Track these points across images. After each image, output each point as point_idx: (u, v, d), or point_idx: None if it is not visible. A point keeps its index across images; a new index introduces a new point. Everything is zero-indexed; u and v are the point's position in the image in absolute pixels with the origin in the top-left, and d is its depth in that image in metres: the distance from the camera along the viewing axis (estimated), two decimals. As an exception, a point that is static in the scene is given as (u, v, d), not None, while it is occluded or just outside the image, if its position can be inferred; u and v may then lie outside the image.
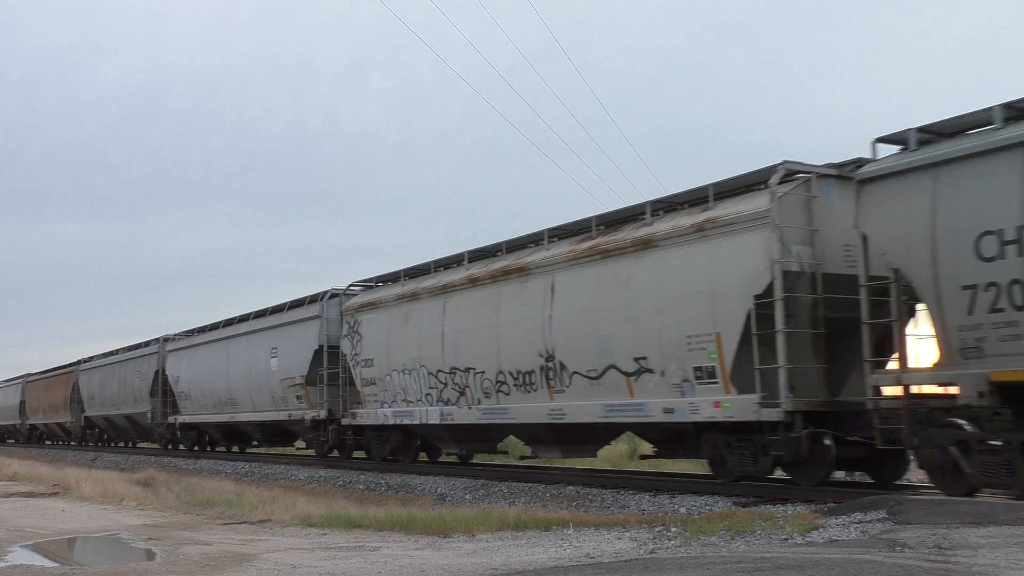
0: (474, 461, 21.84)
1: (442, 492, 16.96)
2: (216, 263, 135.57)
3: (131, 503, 16.37)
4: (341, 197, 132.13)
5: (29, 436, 56.11)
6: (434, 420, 18.93)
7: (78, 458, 36.33)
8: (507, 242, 17.87)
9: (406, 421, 19.98)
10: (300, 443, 28.53)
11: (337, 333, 23.41)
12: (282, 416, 25.35)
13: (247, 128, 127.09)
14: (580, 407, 15.31)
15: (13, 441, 63.31)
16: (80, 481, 20.33)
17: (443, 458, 22.24)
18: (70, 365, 47.09)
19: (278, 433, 28.25)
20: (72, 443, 48.40)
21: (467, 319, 18.00)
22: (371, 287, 22.58)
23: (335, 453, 24.38)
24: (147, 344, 36.91)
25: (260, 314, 27.52)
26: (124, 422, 39.23)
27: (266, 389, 26.11)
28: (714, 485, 14.23)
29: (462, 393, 18.17)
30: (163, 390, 34.47)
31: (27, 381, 54.90)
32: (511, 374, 16.79)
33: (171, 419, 33.49)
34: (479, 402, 17.72)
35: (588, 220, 15.94)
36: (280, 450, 30.62)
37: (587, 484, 15.73)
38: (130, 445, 43.80)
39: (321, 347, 23.39)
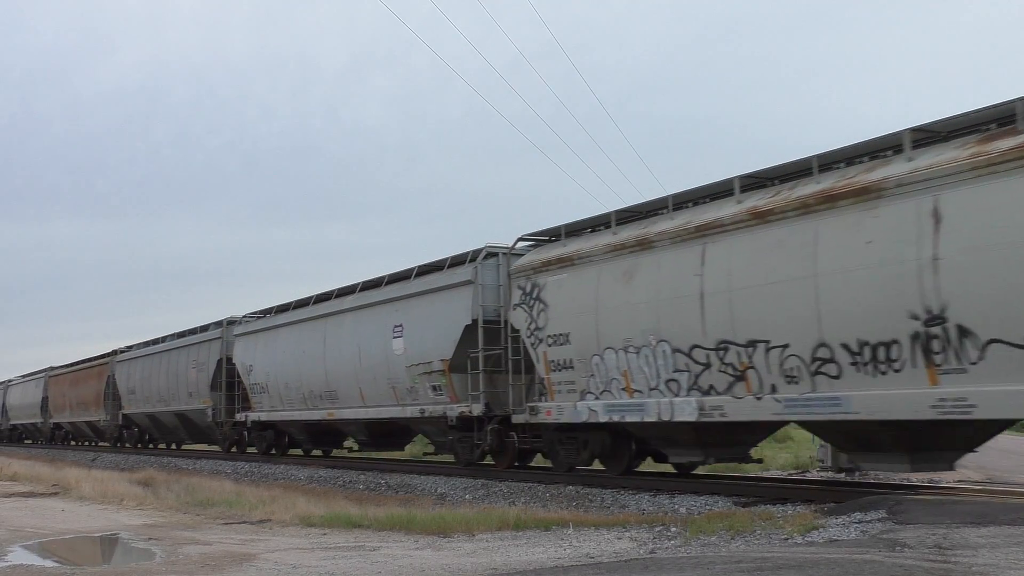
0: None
1: (442, 492, 16.69)
2: (216, 263, 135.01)
3: (131, 503, 16.23)
4: (341, 197, 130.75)
5: (52, 436, 50.52)
6: (686, 416, 13.46)
7: (78, 458, 35.00)
8: (820, 156, 12.35)
9: (629, 418, 14.51)
10: (422, 446, 23.03)
11: (496, 303, 17.98)
12: (410, 412, 19.86)
13: (247, 128, 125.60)
14: (1008, 395, 9.82)
15: (31, 442, 57.83)
16: (80, 481, 20.07)
17: (638, 465, 16.68)
18: (103, 356, 41.60)
19: (391, 433, 22.79)
20: (105, 444, 42.95)
21: (749, 270, 12.54)
22: (551, 241, 17.11)
23: (487, 460, 18.91)
24: (205, 328, 31.42)
25: (372, 284, 22.01)
26: (173, 420, 33.73)
27: (384, 378, 20.63)
28: (714, 485, 14.11)
29: (739, 377, 12.71)
30: (227, 382, 29.04)
31: (50, 375, 49.29)
32: (846, 347, 11.32)
33: (240, 416, 27.99)
34: (774, 389, 12.26)
35: (1003, 106, 10.46)
36: (391, 455, 25.04)
37: (587, 484, 15.40)
38: (173, 447, 38.35)
39: (475, 321, 17.92)
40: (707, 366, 13.17)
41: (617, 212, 15.38)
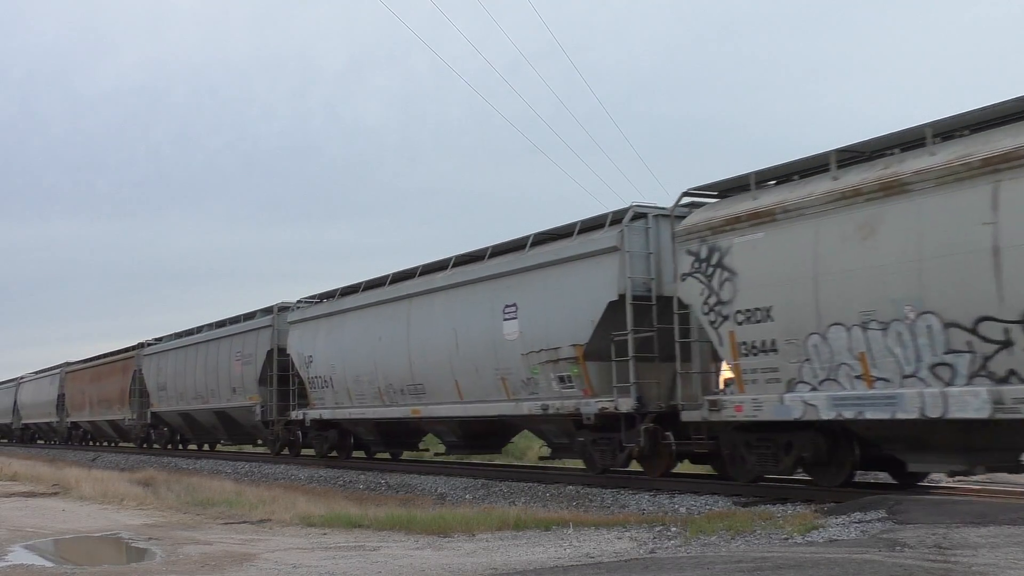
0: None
1: (442, 492, 16.64)
2: (216, 263, 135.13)
3: (131, 503, 16.21)
4: (341, 197, 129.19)
5: (69, 436, 47.19)
6: (971, 411, 10.07)
7: (78, 458, 34.77)
8: None
9: (870, 414, 11.12)
10: (528, 447, 19.70)
11: (646, 274, 14.70)
12: (527, 409, 16.50)
13: (247, 128, 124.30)
14: None
15: (43, 442, 54.54)
16: (80, 481, 20.00)
17: (858, 476, 13.27)
18: (128, 349, 38.31)
19: (490, 433, 19.46)
20: (130, 445, 39.68)
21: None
22: (727, 195, 13.79)
23: (624, 465, 15.54)
24: (251, 316, 28.09)
25: (470, 258, 18.69)
26: (212, 420, 30.42)
27: (490, 368, 17.30)
28: (714, 485, 13.87)
29: (1064, 358, 9.38)
30: (280, 376, 25.69)
31: (67, 371, 45.96)
32: None
33: (296, 414, 24.64)
34: None
35: None
36: (481, 459, 21.62)
37: (587, 484, 15.35)
38: (204, 448, 35.04)
39: (621, 297, 14.61)
40: (1005, 345, 9.84)
41: (837, 151, 12.03)
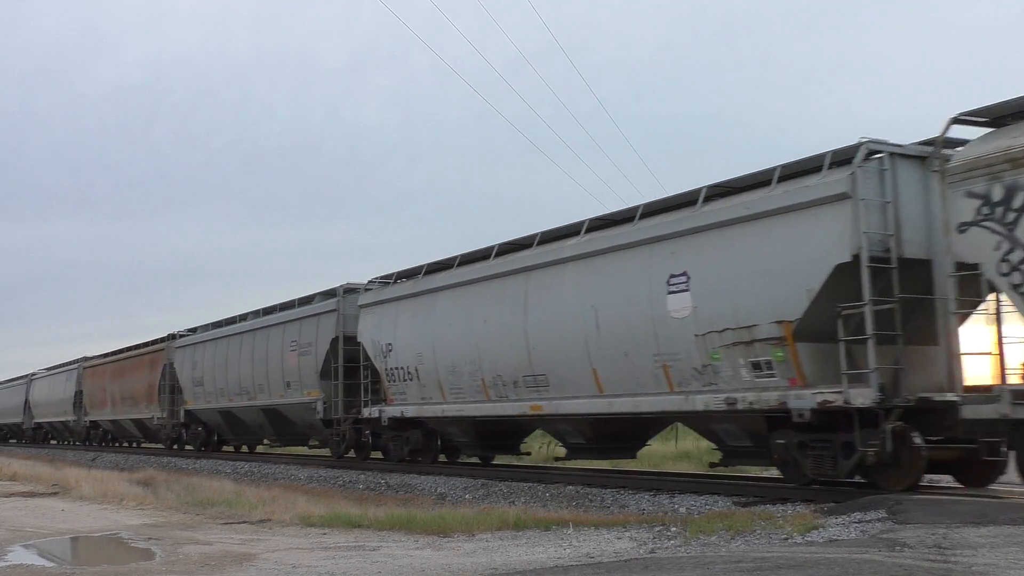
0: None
1: (442, 492, 16.53)
2: (216, 263, 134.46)
3: (131, 503, 16.18)
4: (341, 197, 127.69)
5: (87, 436, 43.85)
6: None
7: (78, 458, 34.54)
8: None
9: None
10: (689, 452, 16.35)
11: (883, 229, 11.39)
12: (702, 403, 13.11)
13: (247, 128, 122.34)
14: None
15: (56, 442, 51.26)
16: (80, 481, 20.01)
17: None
18: (156, 341, 35.03)
19: (630, 432, 16.11)
20: (157, 447, 36.40)
21: None
22: (1001, 121, 10.46)
23: (850, 476, 12.20)
24: (308, 300, 24.73)
25: (611, 221, 15.32)
26: (258, 418, 27.10)
27: (647, 354, 13.97)
28: (714, 485, 13.95)
29: None
30: (346, 368, 22.37)
31: (86, 366, 42.64)
32: None
33: (370, 411, 21.28)
34: None
35: None
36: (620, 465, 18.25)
37: (587, 484, 15.38)
38: (241, 450, 31.73)
39: (855, 258, 11.30)
40: None
41: None
